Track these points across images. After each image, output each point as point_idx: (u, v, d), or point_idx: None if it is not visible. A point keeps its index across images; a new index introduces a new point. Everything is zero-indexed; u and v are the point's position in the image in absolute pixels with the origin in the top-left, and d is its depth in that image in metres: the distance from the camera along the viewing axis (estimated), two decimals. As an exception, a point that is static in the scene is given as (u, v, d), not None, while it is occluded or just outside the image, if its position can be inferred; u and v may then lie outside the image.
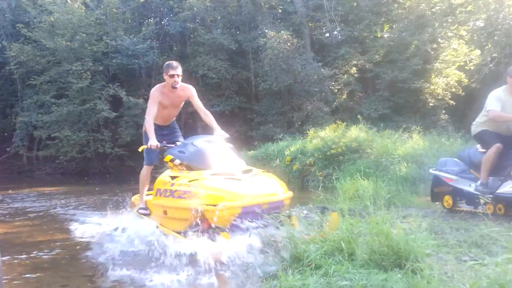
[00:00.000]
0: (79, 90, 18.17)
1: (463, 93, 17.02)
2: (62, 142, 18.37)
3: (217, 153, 4.35)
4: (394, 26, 19.03)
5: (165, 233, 4.16)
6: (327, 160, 11.26)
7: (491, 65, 15.46)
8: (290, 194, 4.24)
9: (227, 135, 4.69)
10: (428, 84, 17.20)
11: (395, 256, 2.64)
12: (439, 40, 17.52)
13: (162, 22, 22.35)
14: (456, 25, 17.57)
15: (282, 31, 18.07)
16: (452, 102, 17.16)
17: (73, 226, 5.88)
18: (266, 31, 19.07)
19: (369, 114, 16.01)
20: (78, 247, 4.79)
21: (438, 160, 9.10)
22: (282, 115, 18.62)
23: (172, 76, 4.75)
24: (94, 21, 19.18)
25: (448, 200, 5.31)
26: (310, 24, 20.93)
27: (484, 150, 4.86)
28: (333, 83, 18.48)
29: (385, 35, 19.47)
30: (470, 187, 4.96)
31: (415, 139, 10.46)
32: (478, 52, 16.65)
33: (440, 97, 17.23)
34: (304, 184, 11.76)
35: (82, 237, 5.19)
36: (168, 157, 4.39)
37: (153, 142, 4.53)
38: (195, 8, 19.39)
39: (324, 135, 11.81)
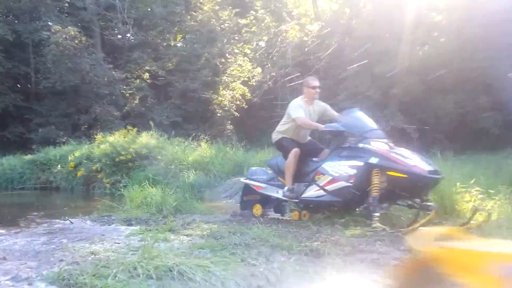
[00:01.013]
0: None
1: (246, 106, 18.73)
2: None
3: None
4: (187, 36, 19.70)
5: None
6: (115, 166, 10.86)
7: (269, 82, 17.45)
8: None
9: None
10: (216, 96, 18.34)
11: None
12: (227, 55, 18.92)
13: None
14: (242, 43, 19.31)
15: (69, 27, 16.71)
16: (237, 114, 18.69)
17: None
18: (50, 24, 17.34)
19: (160, 121, 16.11)
20: None
21: (223, 167, 9.74)
22: (67, 117, 17.16)
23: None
24: None
25: (258, 208, 5.34)
26: (101, 23, 19.90)
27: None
28: (125, 87, 17.97)
29: (178, 44, 19.97)
30: (278, 194, 5.06)
31: (203, 147, 10.97)
32: (259, 70, 18.60)
33: (226, 108, 18.55)
34: (90, 192, 11.07)
35: None
36: None
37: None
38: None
39: (114, 140, 11.35)
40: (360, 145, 4.52)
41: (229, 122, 18.84)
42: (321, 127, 4.89)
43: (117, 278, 2.50)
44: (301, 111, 5.01)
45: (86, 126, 16.88)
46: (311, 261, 2.97)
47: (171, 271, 2.57)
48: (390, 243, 3.49)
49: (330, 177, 4.57)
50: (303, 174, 4.94)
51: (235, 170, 9.42)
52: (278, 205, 5.32)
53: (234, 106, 18.75)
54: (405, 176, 4.10)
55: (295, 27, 18.14)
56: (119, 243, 3.60)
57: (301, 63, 17.23)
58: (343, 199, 4.48)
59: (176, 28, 20.15)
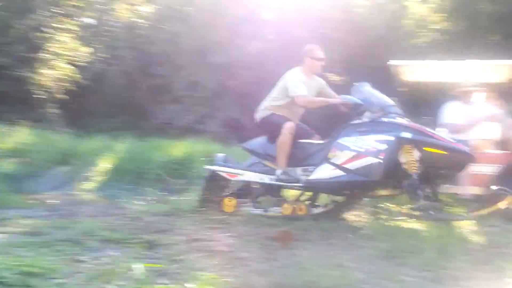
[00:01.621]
0: None
1: (75, 88, 17.18)
2: None
3: None
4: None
5: None
6: None
7: (102, 64, 16.39)
8: None
9: None
10: (35, 75, 16.38)
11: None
12: (45, 29, 16.96)
13: None
14: (64, 17, 17.52)
15: None
16: (63, 96, 17.00)
17: None
18: None
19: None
20: None
21: (46, 156, 8.90)
22: None
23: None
24: None
25: (230, 203, 4.34)
26: None
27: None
28: None
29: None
30: (265, 180, 4.26)
31: (22, 132, 9.88)
32: (88, 49, 17.24)
33: (49, 89, 16.74)
34: None
35: None
36: None
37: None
38: None
39: None
40: (385, 119, 4.04)
41: (54, 105, 17.04)
42: (331, 101, 4.36)
43: None
44: (303, 88, 4.24)
45: None
46: (144, 253, 2.96)
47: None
48: (223, 230, 3.68)
49: (354, 153, 3.90)
50: (302, 158, 4.24)
51: (60, 158, 8.73)
52: (256, 199, 4.43)
53: (59, 87, 16.99)
54: (446, 153, 3.77)
55: (125, 6, 17.28)
56: None
57: (135, 46, 16.64)
58: (371, 178, 3.86)
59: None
